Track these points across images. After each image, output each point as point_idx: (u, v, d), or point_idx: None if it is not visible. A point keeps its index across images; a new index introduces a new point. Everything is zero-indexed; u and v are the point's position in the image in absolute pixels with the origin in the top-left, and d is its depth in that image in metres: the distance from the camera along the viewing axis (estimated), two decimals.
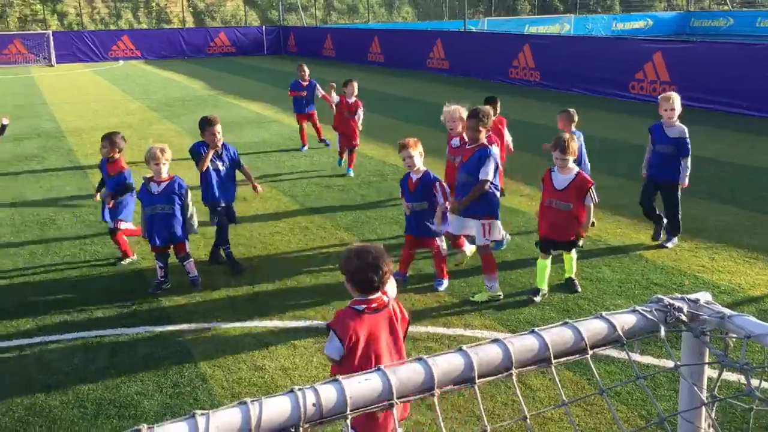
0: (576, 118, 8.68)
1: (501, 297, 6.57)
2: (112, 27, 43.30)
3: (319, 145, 13.93)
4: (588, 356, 1.58)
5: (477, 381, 1.51)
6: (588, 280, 6.90)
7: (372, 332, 3.54)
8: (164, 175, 6.62)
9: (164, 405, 4.87)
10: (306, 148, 13.61)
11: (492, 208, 6.46)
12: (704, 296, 1.77)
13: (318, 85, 13.46)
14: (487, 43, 26.40)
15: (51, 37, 36.32)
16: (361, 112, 11.42)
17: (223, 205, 7.40)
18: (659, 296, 1.74)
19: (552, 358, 1.57)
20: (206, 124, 7.28)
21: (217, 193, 7.31)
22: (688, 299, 1.74)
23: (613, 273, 7.09)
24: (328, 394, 1.43)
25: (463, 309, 6.36)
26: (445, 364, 1.51)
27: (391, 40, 32.23)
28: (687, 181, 7.62)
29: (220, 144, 7.30)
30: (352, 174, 11.39)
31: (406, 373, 1.48)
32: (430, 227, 6.61)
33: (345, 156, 11.63)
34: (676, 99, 7.62)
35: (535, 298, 6.42)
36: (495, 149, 6.58)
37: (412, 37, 31.28)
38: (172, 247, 6.81)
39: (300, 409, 1.41)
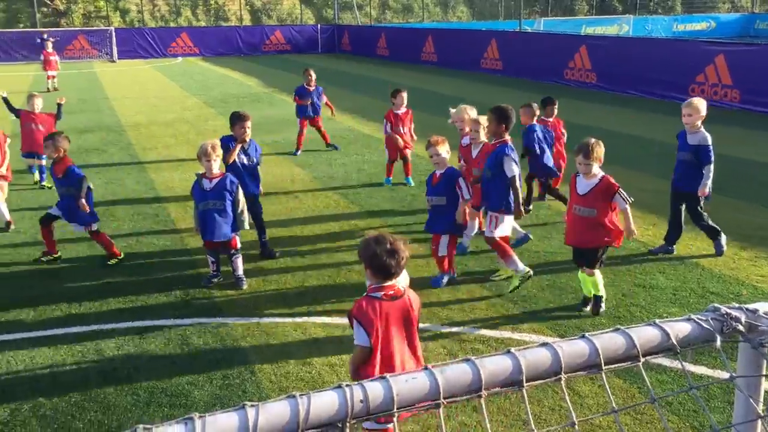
0: (537, 112, 8.73)
1: (531, 273, 6.60)
2: (171, 24, 44.31)
3: (372, 144, 14.00)
4: (640, 364, 1.56)
5: (525, 384, 1.50)
6: (641, 287, 6.76)
7: (389, 320, 3.71)
8: (215, 171, 6.74)
9: (214, 396, 4.97)
10: (300, 152, 13.10)
11: (502, 202, 6.59)
12: (763, 306, 1.72)
13: (323, 92, 13.41)
14: (542, 44, 26.08)
15: (113, 34, 37.38)
16: (411, 126, 10.83)
17: (249, 195, 7.53)
18: (716, 305, 1.70)
19: (602, 365, 1.55)
20: (238, 119, 7.64)
21: (243, 185, 7.46)
22: (747, 309, 1.70)
23: (668, 280, 6.93)
24: (375, 391, 1.44)
25: (512, 312, 6.31)
26: (493, 366, 1.51)
27: (445, 39, 32.13)
28: (707, 190, 7.27)
29: (248, 138, 7.62)
30: (411, 183, 10.74)
31: (454, 374, 1.48)
32: (437, 225, 6.75)
33: (393, 170, 10.97)
34: (697, 104, 7.25)
35: (586, 308, 6.31)
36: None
37: (466, 36, 31.15)
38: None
39: (347, 405, 1.42)
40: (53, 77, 23.87)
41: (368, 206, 9.71)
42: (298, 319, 6.18)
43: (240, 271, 6.98)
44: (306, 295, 6.72)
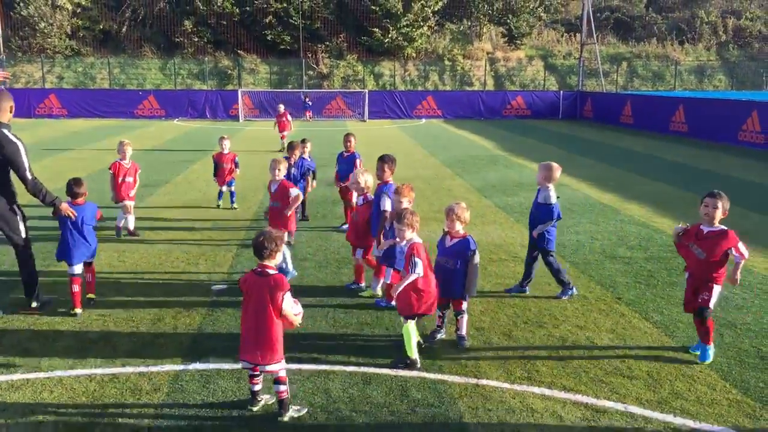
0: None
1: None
2: (419, 88, 46.86)
3: (608, 214, 13.51)
4: None
5: None
6: None
7: (251, 287, 5.35)
8: (459, 231, 6.93)
9: None
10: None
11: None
12: None
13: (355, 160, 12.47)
14: None
15: (367, 96, 40.46)
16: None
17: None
18: None
19: None
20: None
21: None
22: None
23: None
24: None
25: (761, 414, 5.61)
26: None
27: (698, 109, 30.19)
28: None
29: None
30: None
31: None
32: None
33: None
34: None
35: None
36: None
37: (722, 106, 29.00)
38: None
39: None
40: (284, 137, 24.28)
41: (599, 277, 9.31)
42: (517, 387, 6.05)
43: (463, 331, 7.04)
44: (528, 364, 6.56)
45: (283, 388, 5.45)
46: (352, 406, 5.65)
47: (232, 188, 14.05)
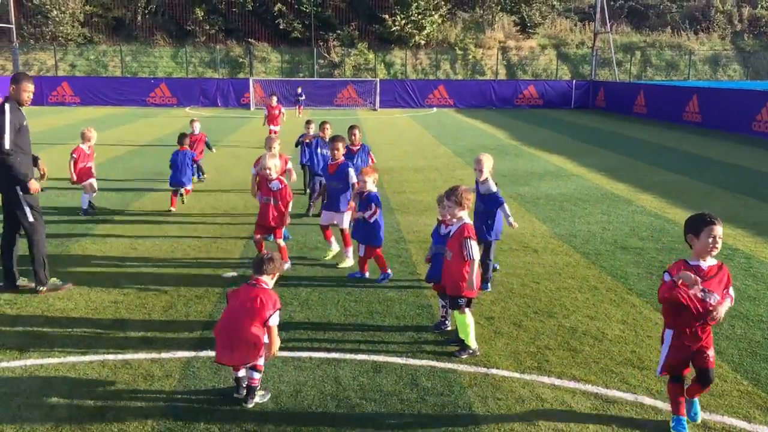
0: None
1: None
2: (430, 77, 46.69)
3: (619, 205, 13.43)
4: None
5: None
6: None
7: (238, 295, 5.50)
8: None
9: None
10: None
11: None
12: None
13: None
14: None
15: (378, 85, 40.37)
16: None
17: None
18: None
19: None
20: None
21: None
22: None
23: None
24: None
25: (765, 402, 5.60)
26: None
27: (713, 98, 29.93)
28: None
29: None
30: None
31: None
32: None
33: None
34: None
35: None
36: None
37: (737, 96, 28.74)
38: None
39: None
40: (275, 132, 20.08)
41: (610, 268, 9.28)
42: (527, 376, 6.06)
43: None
44: (538, 354, 6.55)
45: (257, 375, 5.49)
46: (362, 394, 5.68)
47: (199, 162, 15.48)
